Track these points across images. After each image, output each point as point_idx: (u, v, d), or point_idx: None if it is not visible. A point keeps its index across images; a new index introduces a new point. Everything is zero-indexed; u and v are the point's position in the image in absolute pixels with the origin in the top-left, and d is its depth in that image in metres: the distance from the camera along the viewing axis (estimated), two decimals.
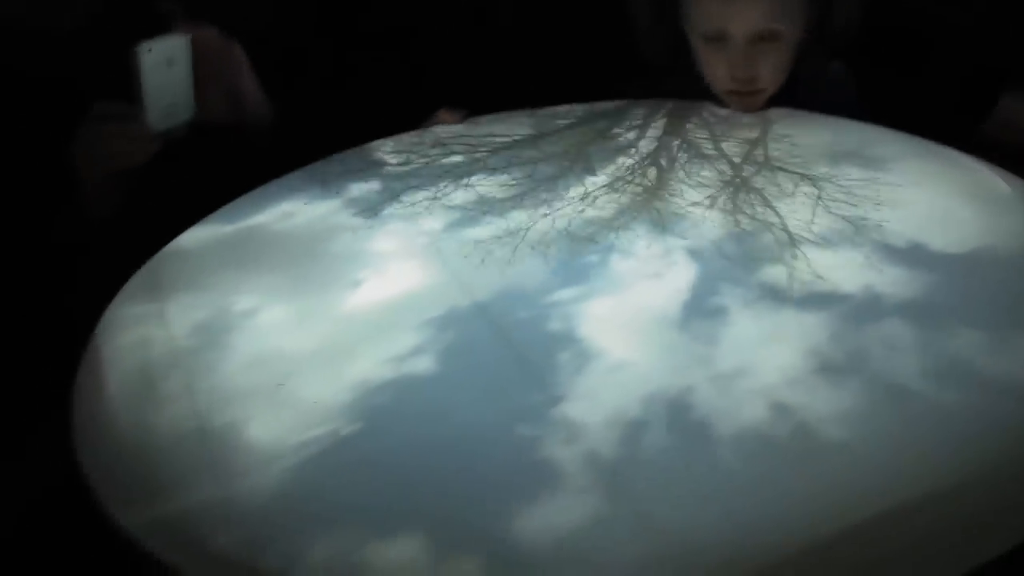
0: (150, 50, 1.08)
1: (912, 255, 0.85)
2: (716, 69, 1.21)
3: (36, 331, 1.05)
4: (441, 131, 1.27)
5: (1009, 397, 0.68)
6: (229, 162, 1.22)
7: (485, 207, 1.03)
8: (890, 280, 0.82)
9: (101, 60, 1.21)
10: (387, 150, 1.22)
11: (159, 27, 1.14)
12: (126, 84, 1.09)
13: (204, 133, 1.19)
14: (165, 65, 1.10)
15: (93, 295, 0.96)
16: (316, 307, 0.88)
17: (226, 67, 1.23)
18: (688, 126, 1.18)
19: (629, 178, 1.06)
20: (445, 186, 1.08)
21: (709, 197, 0.99)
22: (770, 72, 1.18)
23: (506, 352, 0.78)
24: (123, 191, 1.19)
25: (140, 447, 0.73)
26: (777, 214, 0.94)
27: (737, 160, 1.07)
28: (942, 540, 0.58)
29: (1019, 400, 0.68)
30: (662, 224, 0.95)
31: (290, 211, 1.07)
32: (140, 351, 0.85)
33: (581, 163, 1.11)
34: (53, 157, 1.14)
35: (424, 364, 0.78)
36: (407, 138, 1.26)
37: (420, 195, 1.07)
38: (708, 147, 1.11)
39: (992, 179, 0.96)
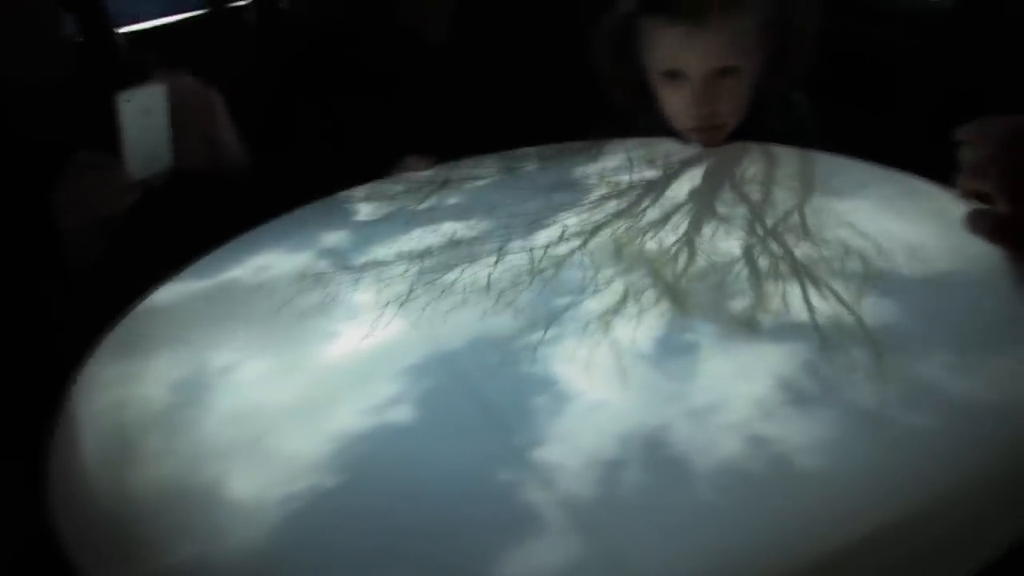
0: (128, 100, 1.09)
1: (879, 282, 0.87)
2: (676, 106, 1.23)
3: (11, 389, 1.04)
4: (410, 177, 1.28)
5: (978, 418, 0.69)
6: (205, 210, 1.22)
7: (457, 253, 1.03)
8: (856, 306, 0.83)
9: (79, 112, 1.22)
10: (357, 198, 1.23)
11: (137, 76, 1.16)
12: (105, 134, 1.10)
13: (182, 180, 1.20)
14: (143, 114, 1.12)
15: (68, 350, 0.96)
16: (294, 360, 0.89)
17: (203, 114, 1.24)
18: (654, 164, 1.19)
19: (598, 218, 1.07)
20: (416, 233, 1.09)
21: (677, 234, 1.00)
22: (729, 107, 1.20)
23: (483, 398, 0.79)
24: (103, 240, 1.19)
25: (119, 508, 0.73)
26: (744, 248, 0.96)
27: (704, 196, 1.09)
28: (918, 561, 0.59)
29: (988, 421, 0.69)
30: (631, 263, 0.96)
31: (264, 264, 1.08)
32: (117, 410, 0.85)
33: (551, 205, 1.12)
34: (33, 208, 1.15)
35: (403, 413, 0.78)
36: (377, 186, 1.27)
37: (392, 243, 1.08)
38: (674, 184, 1.13)
39: (953, 206, 0.97)
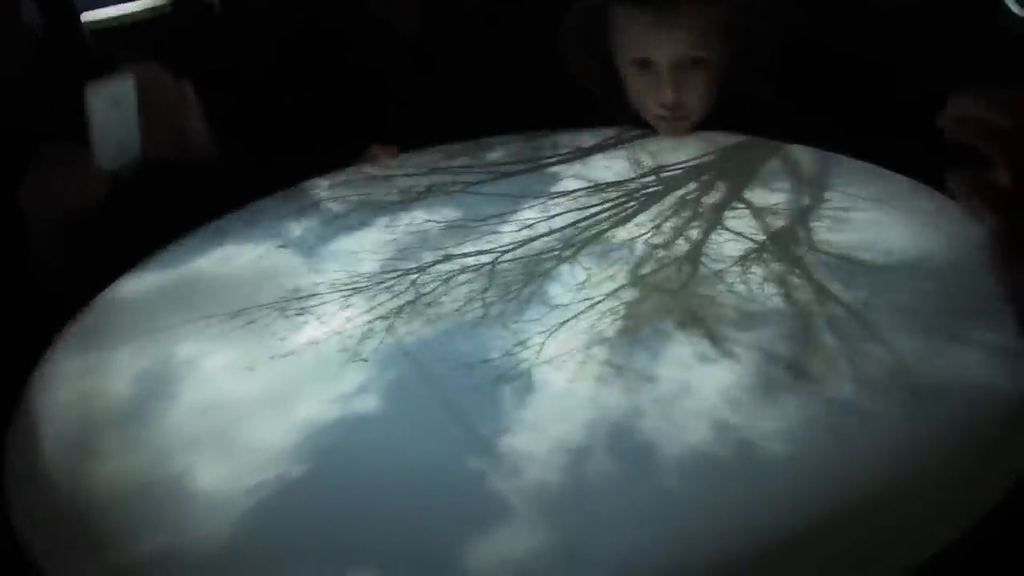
0: (97, 91, 1.08)
1: (844, 270, 0.87)
2: (644, 97, 1.23)
3: None
4: (374, 167, 1.27)
5: (941, 402, 0.70)
6: (172, 201, 1.21)
7: (423, 242, 1.03)
8: (823, 295, 0.84)
9: (45, 102, 1.21)
10: (322, 188, 1.22)
11: (104, 67, 1.14)
12: (72, 124, 1.09)
13: (149, 171, 1.18)
14: (112, 105, 1.10)
15: (31, 343, 0.95)
16: (259, 351, 0.88)
17: (172, 104, 1.22)
18: (623, 153, 1.19)
19: (566, 208, 1.07)
20: (381, 223, 1.09)
21: (644, 223, 1.01)
22: (696, 97, 1.20)
23: (450, 386, 0.79)
24: (71, 233, 1.17)
25: (79, 502, 0.73)
26: (710, 235, 0.96)
27: (672, 184, 1.09)
28: (884, 541, 0.60)
29: (951, 404, 0.69)
30: (599, 252, 0.96)
31: (229, 255, 1.07)
32: (79, 403, 0.84)
33: (517, 194, 1.12)
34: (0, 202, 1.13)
35: (369, 402, 0.78)
36: (341, 176, 1.26)
37: (357, 234, 1.07)
38: (642, 174, 1.13)
39: (917, 194, 0.98)
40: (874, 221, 0.95)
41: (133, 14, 1.73)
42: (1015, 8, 1.28)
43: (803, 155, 1.13)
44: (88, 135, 1.10)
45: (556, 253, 0.97)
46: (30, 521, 0.71)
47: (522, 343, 0.83)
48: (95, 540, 0.69)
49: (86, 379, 0.88)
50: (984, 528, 0.59)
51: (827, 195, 1.02)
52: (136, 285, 1.04)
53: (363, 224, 1.10)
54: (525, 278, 0.93)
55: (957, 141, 0.77)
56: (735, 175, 1.09)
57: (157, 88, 1.19)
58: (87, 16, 1.65)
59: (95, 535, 0.69)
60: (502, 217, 1.07)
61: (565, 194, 1.10)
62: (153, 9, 1.77)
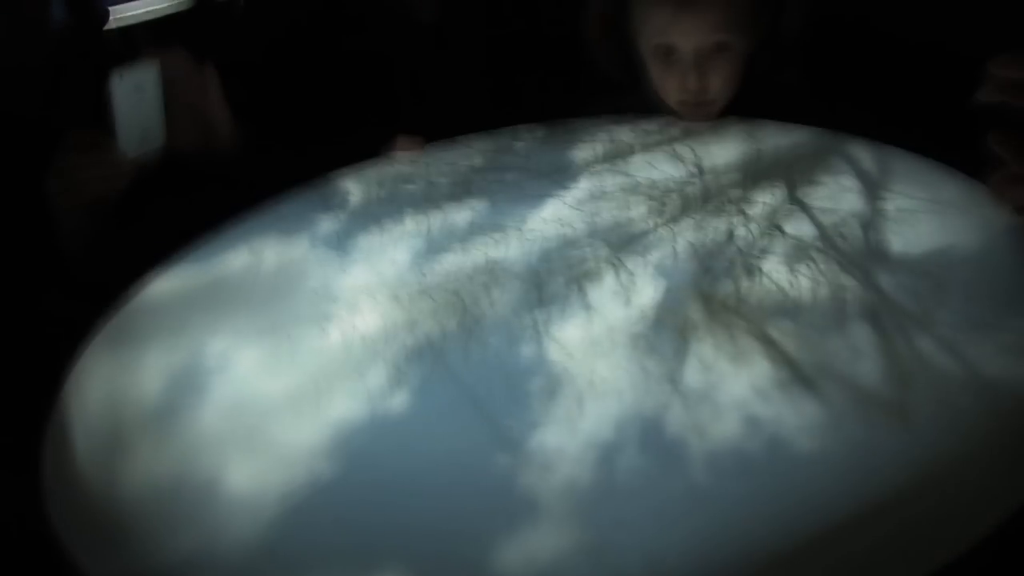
0: (121, 77, 1.09)
1: (872, 259, 0.87)
2: (667, 83, 1.22)
3: (3, 383, 1.04)
4: (401, 160, 1.27)
5: (970, 394, 0.69)
6: (196, 193, 1.22)
7: (450, 236, 1.03)
8: (850, 285, 0.84)
9: (70, 95, 1.21)
10: (349, 182, 1.23)
11: (129, 54, 1.15)
12: (96, 116, 1.10)
13: (172, 162, 1.19)
14: (136, 91, 1.11)
15: (62, 342, 0.96)
16: (289, 349, 0.88)
17: (196, 91, 1.23)
18: (646, 142, 1.19)
19: (593, 199, 1.07)
20: (409, 217, 1.09)
21: (671, 214, 1.00)
22: (721, 83, 1.20)
23: (479, 382, 0.79)
24: (96, 223, 1.19)
25: (116, 503, 0.73)
26: (737, 226, 0.96)
27: (701, 173, 1.09)
28: (915, 536, 0.60)
29: (980, 397, 0.69)
30: (626, 244, 0.96)
31: (258, 253, 1.08)
32: (112, 404, 0.85)
33: (543, 185, 1.11)
34: (24, 191, 1.14)
35: (399, 400, 0.78)
36: (367, 169, 1.26)
37: (385, 227, 1.08)
38: (670, 163, 1.12)
39: (945, 180, 0.97)
40: (896, 208, 0.95)
41: (157, 11, 1.74)
42: None
43: (826, 141, 1.12)
44: (112, 122, 1.11)
45: (583, 243, 0.97)
46: (67, 519, 0.72)
47: (554, 341, 0.83)
48: (130, 541, 0.69)
49: (119, 379, 0.89)
50: (1016, 523, 0.59)
51: (849, 182, 1.01)
52: (166, 284, 1.05)
53: (392, 219, 1.10)
54: (553, 268, 0.94)
55: (996, 110, 0.76)
56: (754, 161, 1.09)
57: (181, 74, 1.20)
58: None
59: (129, 534, 0.70)
60: (528, 206, 1.07)
61: (592, 183, 1.10)
62: (176, 5, 1.78)
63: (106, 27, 1.54)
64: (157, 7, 1.75)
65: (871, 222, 0.93)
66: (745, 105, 1.22)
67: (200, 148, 1.26)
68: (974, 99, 0.77)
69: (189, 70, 1.22)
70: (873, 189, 0.99)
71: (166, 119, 1.16)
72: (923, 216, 0.92)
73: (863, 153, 1.07)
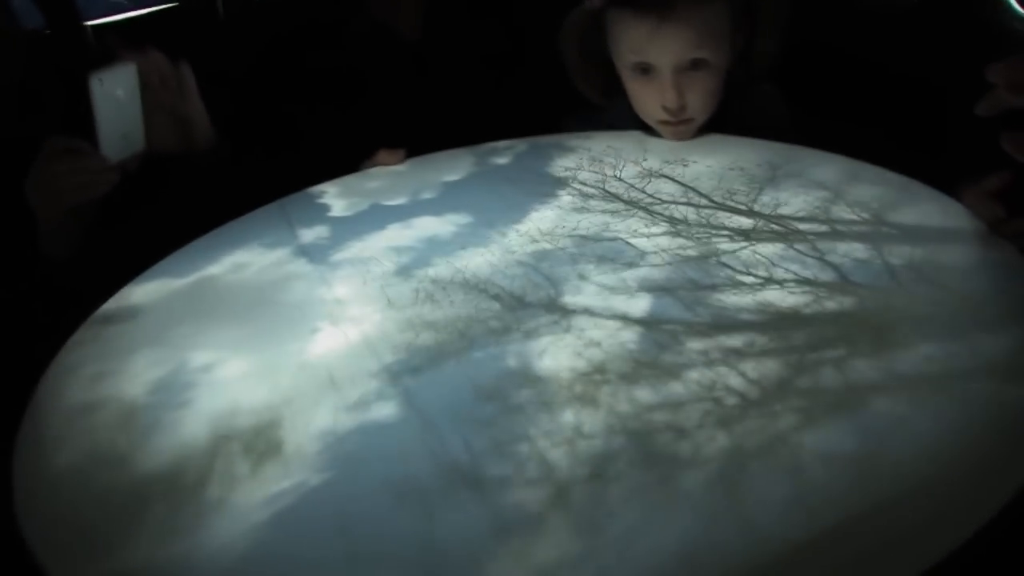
0: (100, 80, 1.08)
1: (858, 271, 0.88)
2: (645, 101, 1.23)
3: None
4: (381, 171, 1.28)
5: (960, 402, 0.71)
6: (177, 197, 1.22)
7: (432, 247, 1.04)
8: (839, 296, 0.85)
9: (49, 106, 1.21)
10: (331, 194, 1.23)
11: (105, 56, 1.14)
12: (75, 121, 1.09)
13: (154, 165, 1.19)
14: (115, 95, 1.10)
15: (40, 348, 0.96)
16: (275, 358, 0.89)
17: (173, 91, 1.22)
18: (626, 158, 1.20)
19: (574, 211, 1.08)
20: (392, 228, 1.10)
21: (655, 226, 1.02)
22: (699, 100, 1.21)
23: (468, 392, 0.80)
24: (79, 230, 1.18)
25: (91, 509, 0.73)
26: (722, 238, 0.97)
27: (680, 187, 1.10)
28: (899, 542, 0.61)
29: (971, 404, 0.70)
30: (609, 256, 0.97)
31: (241, 261, 1.08)
32: (91, 410, 0.85)
33: (525, 198, 1.13)
34: (5, 201, 1.14)
35: (387, 409, 0.79)
36: (349, 180, 1.27)
37: (368, 239, 1.09)
38: (647, 176, 1.14)
39: (924, 194, 0.99)
40: (884, 220, 0.96)
41: (136, 20, 1.74)
42: (1018, 8, 1.29)
43: (804, 156, 1.13)
44: (92, 127, 1.10)
45: (565, 255, 0.98)
46: (38, 526, 0.72)
47: (540, 349, 0.84)
48: (105, 546, 0.70)
49: (97, 385, 0.89)
50: (998, 526, 0.61)
51: (831, 197, 1.02)
52: (147, 291, 1.05)
53: (374, 229, 1.11)
54: (537, 280, 0.94)
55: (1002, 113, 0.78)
56: (736, 176, 1.10)
57: (158, 75, 1.20)
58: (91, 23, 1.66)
59: (105, 541, 0.70)
60: (510, 218, 1.08)
61: (573, 196, 1.12)
62: (158, 15, 1.77)
63: (86, 35, 1.54)
64: (137, 13, 1.75)
65: (852, 235, 0.94)
66: (723, 120, 1.24)
67: (179, 150, 1.26)
68: (976, 110, 0.79)
69: (166, 71, 1.22)
70: (846, 204, 1.01)
71: (144, 122, 1.16)
72: (901, 229, 0.94)
73: (838, 168, 1.09)
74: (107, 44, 1.46)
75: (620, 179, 1.14)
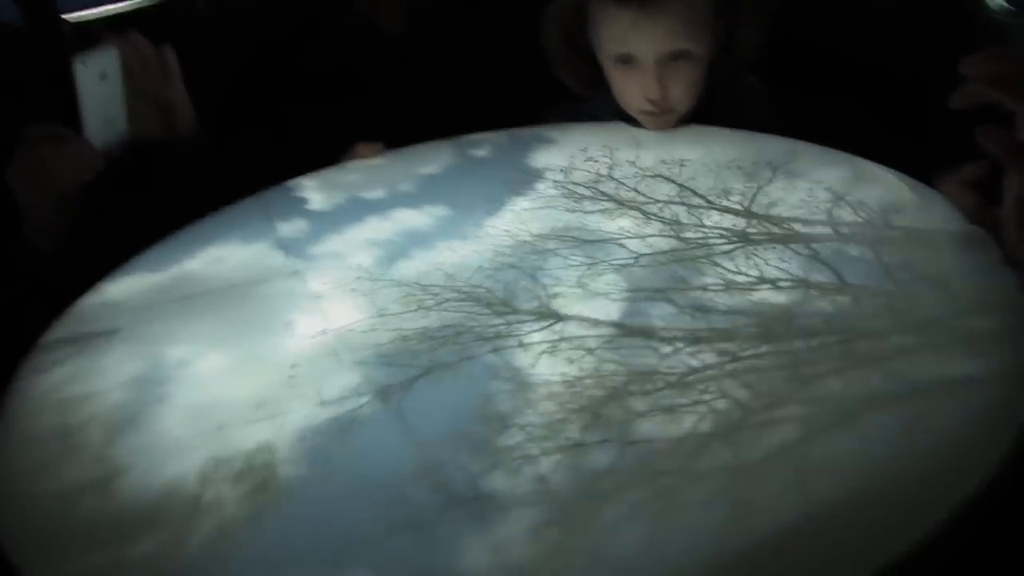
0: (84, 64, 1.07)
1: (837, 265, 0.88)
2: (628, 92, 1.23)
3: None
4: (360, 165, 1.27)
5: (936, 401, 0.71)
6: (160, 184, 1.21)
7: (412, 241, 1.04)
8: (818, 292, 0.85)
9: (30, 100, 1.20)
10: (308, 187, 1.22)
11: (85, 43, 1.13)
12: (57, 107, 1.08)
13: (136, 152, 1.18)
14: (99, 78, 1.09)
15: (16, 344, 0.95)
16: (252, 352, 0.88)
17: (156, 76, 1.21)
18: (607, 148, 1.19)
19: (552, 203, 1.07)
20: (371, 222, 1.09)
21: (634, 217, 1.01)
22: (682, 91, 1.21)
23: (445, 384, 0.79)
24: (65, 219, 1.17)
25: (64, 507, 0.73)
26: (701, 230, 0.97)
27: (658, 176, 1.09)
28: (867, 538, 0.61)
29: (947, 402, 0.70)
30: (589, 247, 0.97)
31: (218, 255, 1.07)
32: (65, 406, 0.84)
33: (503, 190, 1.12)
34: None
35: (364, 403, 0.78)
36: (326, 174, 1.26)
37: (346, 232, 1.08)
38: (628, 167, 1.13)
39: (902, 188, 0.99)
40: (864, 214, 0.96)
41: (117, 15, 1.73)
42: (992, 3, 1.30)
43: (787, 148, 1.12)
44: (76, 112, 1.09)
45: (544, 247, 0.98)
46: (11, 525, 0.72)
47: (519, 340, 0.83)
48: (78, 544, 0.69)
49: (72, 381, 0.88)
50: (953, 532, 0.60)
51: (813, 189, 1.02)
52: (124, 285, 1.04)
53: (352, 222, 1.10)
54: (516, 272, 0.94)
55: (975, 106, 0.78)
56: (717, 167, 1.09)
57: (140, 59, 1.19)
58: (69, 16, 1.64)
59: (79, 539, 0.70)
60: (488, 211, 1.07)
61: (552, 188, 1.11)
62: (137, 11, 1.76)
63: (64, 30, 1.53)
64: (116, 11, 1.74)
65: (833, 229, 0.94)
66: (706, 112, 1.24)
67: (160, 138, 1.25)
68: (949, 103, 0.79)
69: (148, 55, 1.20)
70: (828, 197, 1.00)
71: (127, 107, 1.15)
72: (882, 223, 0.94)
73: (820, 160, 1.09)
74: (89, 31, 1.45)
75: (611, 176, 1.13)
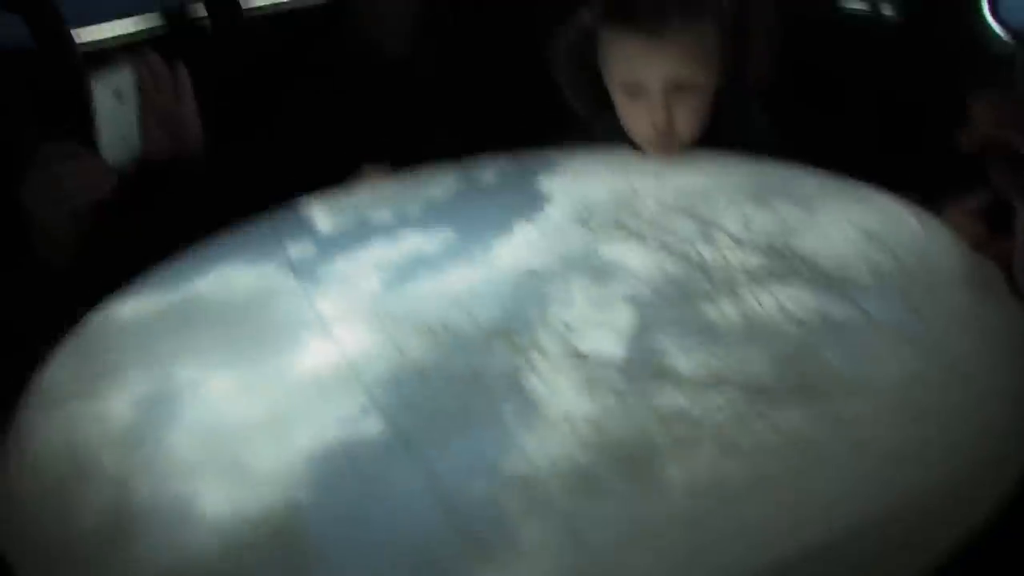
0: (101, 84, 1.08)
1: (839, 289, 0.89)
2: (634, 119, 1.23)
3: None
4: (368, 187, 1.28)
5: (944, 422, 0.72)
6: (170, 203, 1.21)
7: (419, 264, 1.04)
8: (822, 313, 0.85)
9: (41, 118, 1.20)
10: (317, 208, 1.23)
11: (103, 60, 1.14)
12: (67, 128, 1.09)
13: (148, 171, 1.18)
14: (115, 97, 1.10)
15: (25, 362, 0.95)
16: (261, 374, 0.89)
17: (169, 93, 1.22)
18: (615, 173, 1.20)
19: (561, 227, 1.08)
20: (378, 244, 1.10)
21: (641, 242, 1.01)
22: (688, 119, 1.21)
23: (453, 407, 0.80)
24: (77, 236, 1.17)
25: (72, 526, 0.73)
26: (708, 254, 0.97)
27: (666, 203, 1.10)
28: (888, 557, 0.62)
29: (953, 425, 0.71)
30: (598, 271, 0.97)
31: (226, 276, 1.07)
32: (74, 426, 0.85)
33: (511, 213, 1.12)
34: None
35: (372, 426, 0.79)
36: (335, 195, 1.27)
37: (354, 254, 1.08)
38: (635, 194, 1.13)
39: (905, 215, 0.99)
40: (861, 239, 0.97)
41: (127, 35, 1.74)
42: (999, 30, 1.31)
43: (789, 173, 1.14)
44: (92, 131, 1.09)
45: (553, 271, 0.98)
46: (17, 544, 0.72)
47: (525, 361, 0.84)
48: (85, 564, 0.69)
49: (81, 400, 0.88)
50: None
51: (814, 214, 1.02)
52: (132, 305, 1.05)
53: (360, 245, 1.10)
54: (524, 295, 0.94)
55: (984, 147, 0.79)
56: (723, 192, 1.10)
57: (153, 77, 1.19)
58: (79, 34, 1.66)
59: (85, 559, 0.70)
60: (496, 234, 1.07)
61: (559, 212, 1.11)
62: (147, 30, 1.77)
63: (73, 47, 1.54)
64: (126, 30, 1.75)
65: (836, 253, 0.94)
66: (710, 137, 1.24)
67: (169, 155, 1.25)
68: (959, 144, 0.80)
69: (162, 73, 1.21)
70: (827, 222, 1.01)
71: (142, 124, 1.16)
72: (882, 248, 0.94)
73: (824, 186, 1.09)
74: (104, 51, 1.45)
75: (619, 203, 1.13)
